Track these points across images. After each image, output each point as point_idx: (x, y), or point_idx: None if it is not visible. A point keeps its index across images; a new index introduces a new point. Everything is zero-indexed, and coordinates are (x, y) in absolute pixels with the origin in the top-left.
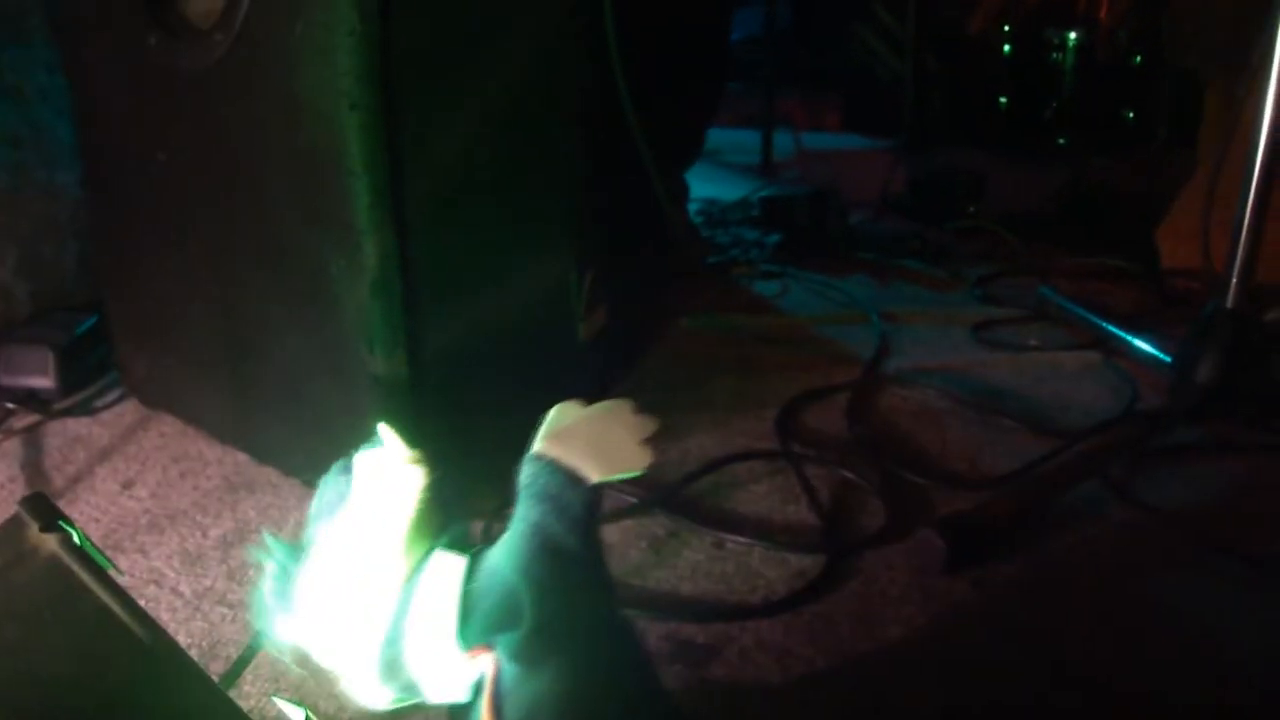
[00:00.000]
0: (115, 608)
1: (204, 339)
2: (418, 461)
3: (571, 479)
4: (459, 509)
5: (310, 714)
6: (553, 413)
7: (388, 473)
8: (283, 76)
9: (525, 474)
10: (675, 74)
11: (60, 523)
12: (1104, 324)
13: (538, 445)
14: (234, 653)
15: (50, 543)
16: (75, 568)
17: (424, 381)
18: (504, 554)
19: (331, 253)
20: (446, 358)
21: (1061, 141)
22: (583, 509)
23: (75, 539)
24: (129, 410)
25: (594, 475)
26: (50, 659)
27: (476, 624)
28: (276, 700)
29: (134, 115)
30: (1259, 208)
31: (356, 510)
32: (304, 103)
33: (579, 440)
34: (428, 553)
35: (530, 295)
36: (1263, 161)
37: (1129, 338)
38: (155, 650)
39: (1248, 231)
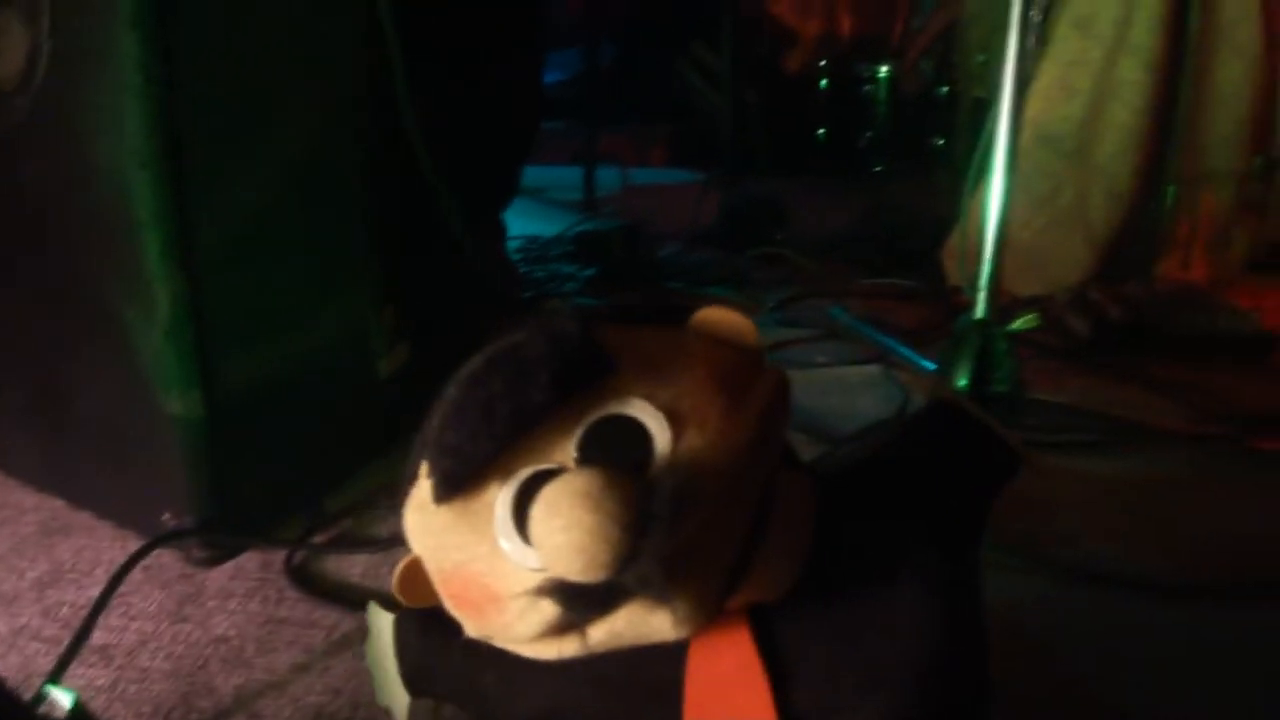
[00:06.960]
0: None
1: (15, 386)
2: None
3: None
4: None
5: (79, 699)
6: None
7: None
8: (77, 137)
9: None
10: (485, 118)
11: None
12: (884, 339)
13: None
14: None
15: None
16: None
17: (221, 421)
18: None
19: (126, 301)
20: (244, 397)
21: (877, 169)
22: None
23: None
24: None
25: None
26: None
27: None
28: (50, 689)
29: None
30: (998, 225)
31: None
32: (98, 162)
33: None
34: None
35: (329, 334)
36: (998, 184)
37: (902, 350)
38: None
39: (991, 248)
